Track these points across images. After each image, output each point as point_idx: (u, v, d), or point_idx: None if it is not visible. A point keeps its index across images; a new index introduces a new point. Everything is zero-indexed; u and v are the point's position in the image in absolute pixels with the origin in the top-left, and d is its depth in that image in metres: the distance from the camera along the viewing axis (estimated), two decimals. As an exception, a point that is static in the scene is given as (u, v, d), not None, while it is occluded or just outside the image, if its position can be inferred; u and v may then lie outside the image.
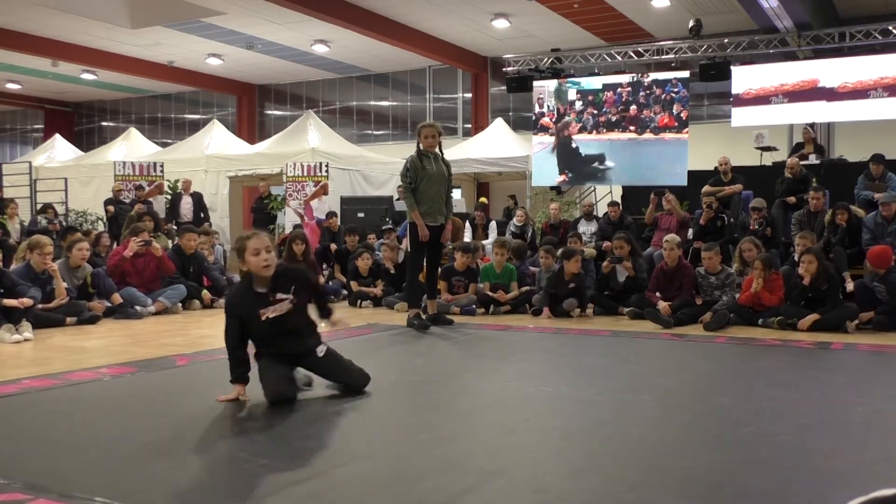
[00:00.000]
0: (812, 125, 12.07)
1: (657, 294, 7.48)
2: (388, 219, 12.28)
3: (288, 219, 13.53)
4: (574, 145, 13.06)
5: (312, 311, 3.87)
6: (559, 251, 8.18)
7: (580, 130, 13.10)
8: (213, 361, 5.05)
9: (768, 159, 12.03)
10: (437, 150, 6.77)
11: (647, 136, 12.57)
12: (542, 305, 7.63)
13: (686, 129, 12.34)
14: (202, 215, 13.62)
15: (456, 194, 14.10)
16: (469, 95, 19.41)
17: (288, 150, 14.49)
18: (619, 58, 13.73)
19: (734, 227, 9.15)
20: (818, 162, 11.05)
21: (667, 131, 12.43)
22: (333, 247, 10.25)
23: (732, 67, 12.49)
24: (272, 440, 3.12)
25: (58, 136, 19.51)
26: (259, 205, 14.65)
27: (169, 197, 14.64)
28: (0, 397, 3.88)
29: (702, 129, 15.07)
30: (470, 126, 19.16)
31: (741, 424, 3.40)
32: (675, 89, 12.40)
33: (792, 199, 9.52)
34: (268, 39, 17.21)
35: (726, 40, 12.98)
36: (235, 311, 3.71)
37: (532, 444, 3.13)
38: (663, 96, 12.46)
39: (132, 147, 17.43)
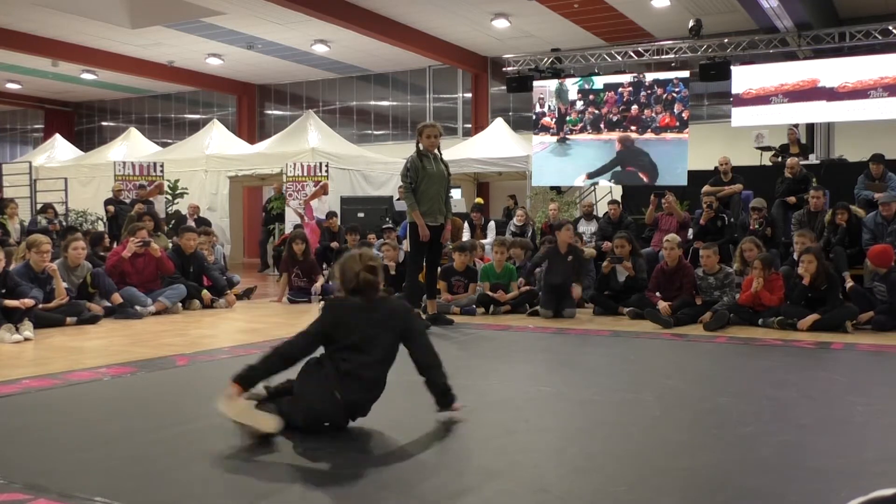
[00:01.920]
0: (796, 125, 12.07)
1: (657, 294, 7.48)
2: (388, 219, 12.28)
3: (288, 219, 13.54)
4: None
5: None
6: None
7: (581, 130, 13.11)
8: (213, 361, 5.05)
9: (768, 159, 12.03)
10: (436, 150, 6.78)
11: (648, 135, 12.57)
12: (548, 311, 7.56)
13: (686, 129, 12.33)
14: None
15: (456, 194, 14.09)
16: (469, 95, 19.40)
17: (288, 150, 14.49)
18: (619, 58, 13.72)
19: (734, 227, 9.15)
20: (818, 162, 11.04)
21: (667, 131, 12.43)
22: (335, 245, 10.25)
23: (732, 67, 12.49)
24: (271, 440, 3.11)
25: (58, 136, 19.52)
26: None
27: (170, 197, 14.65)
28: (0, 397, 3.88)
29: (702, 129, 15.07)
30: (470, 126, 19.16)
31: (741, 424, 3.40)
32: (677, 89, 12.40)
33: (792, 199, 9.51)
34: (268, 39, 17.20)
35: (726, 40, 12.98)
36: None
37: (532, 444, 3.13)
38: (665, 96, 12.46)
39: (132, 147, 17.44)
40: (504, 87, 15.57)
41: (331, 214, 11.78)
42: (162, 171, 14.72)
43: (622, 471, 2.74)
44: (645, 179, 12.48)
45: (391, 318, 3.26)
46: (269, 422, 3.05)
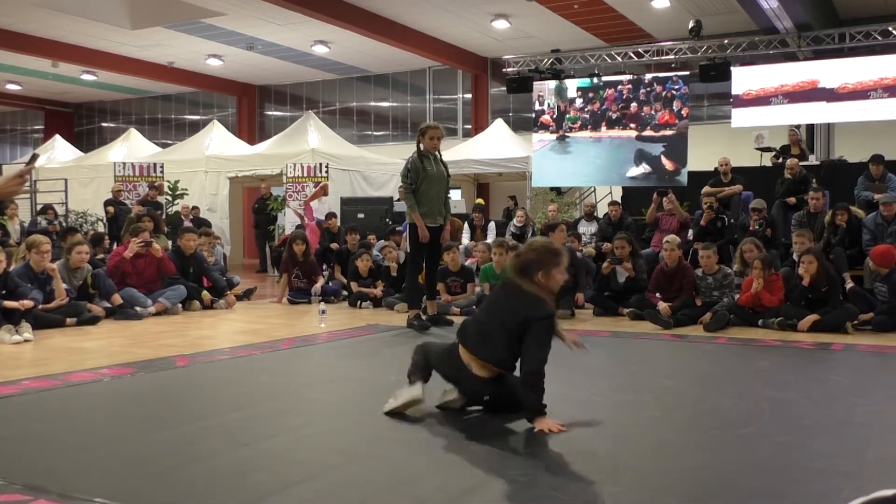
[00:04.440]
0: (797, 126, 12.07)
1: (657, 295, 7.48)
2: (388, 220, 12.27)
3: (288, 219, 13.54)
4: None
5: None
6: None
7: (581, 128, 13.10)
8: (213, 362, 5.05)
9: (768, 160, 12.03)
10: (437, 151, 6.78)
11: (648, 133, 12.57)
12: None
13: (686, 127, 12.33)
14: None
15: (456, 195, 14.10)
16: (469, 96, 19.40)
17: (288, 151, 14.49)
18: (619, 58, 13.72)
19: (734, 227, 9.15)
20: (818, 162, 11.04)
21: (667, 129, 12.44)
22: (335, 245, 10.26)
23: (732, 68, 12.49)
24: (271, 441, 3.12)
25: (58, 137, 19.52)
26: (260, 205, 14.78)
27: (170, 198, 14.65)
28: (0, 398, 3.88)
29: (702, 130, 15.07)
30: (470, 127, 19.16)
31: (741, 424, 3.40)
32: (676, 86, 12.39)
33: (792, 200, 9.51)
34: (268, 40, 17.21)
35: (726, 41, 12.98)
36: None
37: (532, 443, 3.13)
38: (664, 93, 12.46)
39: (132, 148, 17.44)
40: (504, 88, 15.56)
41: (330, 215, 11.78)
42: (162, 172, 14.72)
43: (622, 471, 2.74)
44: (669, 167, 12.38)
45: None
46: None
